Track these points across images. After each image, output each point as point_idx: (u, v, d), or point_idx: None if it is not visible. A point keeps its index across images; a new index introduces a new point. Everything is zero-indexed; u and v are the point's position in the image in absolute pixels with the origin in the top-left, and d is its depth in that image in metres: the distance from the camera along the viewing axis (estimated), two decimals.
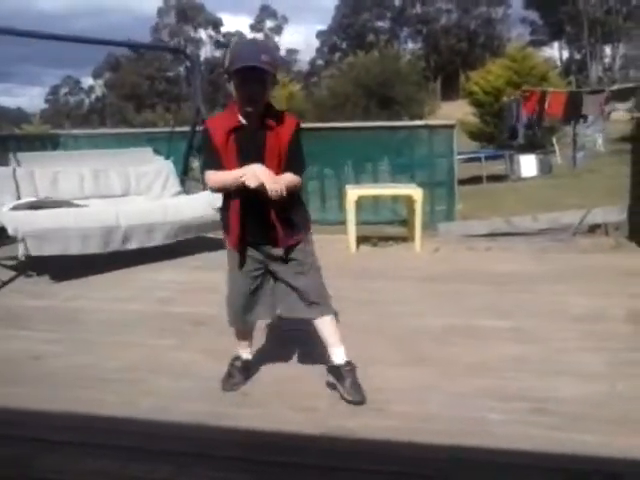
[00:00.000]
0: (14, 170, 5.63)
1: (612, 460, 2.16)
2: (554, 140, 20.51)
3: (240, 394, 2.77)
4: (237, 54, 2.51)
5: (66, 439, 2.43)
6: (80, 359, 3.25)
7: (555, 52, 61.73)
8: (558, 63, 51.83)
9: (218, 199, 5.64)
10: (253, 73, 2.44)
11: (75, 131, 8.68)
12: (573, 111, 16.43)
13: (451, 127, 6.96)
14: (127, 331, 3.69)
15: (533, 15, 64.51)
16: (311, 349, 3.17)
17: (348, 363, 2.73)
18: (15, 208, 5.19)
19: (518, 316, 3.75)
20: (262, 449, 2.32)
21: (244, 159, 2.52)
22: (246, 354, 2.95)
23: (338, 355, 2.75)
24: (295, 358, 3.16)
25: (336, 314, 2.84)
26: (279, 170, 2.55)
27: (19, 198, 5.50)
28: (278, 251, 2.68)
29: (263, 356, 3.15)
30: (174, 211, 5.69)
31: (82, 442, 2.41)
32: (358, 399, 2.63)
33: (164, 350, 3.35)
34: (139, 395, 2.78)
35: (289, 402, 2.68)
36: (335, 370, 2.73)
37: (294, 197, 2.66)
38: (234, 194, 2.61)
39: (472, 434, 2.34)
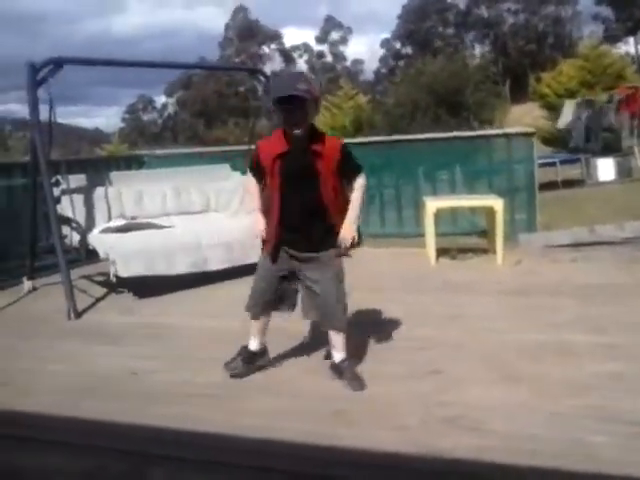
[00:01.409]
0: (106, 191, 5.90)
1: None
2: (635, 142, 19.67)
3: (334, 412, 2.79)
4: (277, 86, 2.98)
5: (169, 454, 2.52)
6: (176, 375, 3.37)
7: (631, 48, 59.28)
8: (635, 59, 49.77)
9: None
10: (292, 100, 2.76)
11: (157, 151, 9.00)
12: None
13: (530, 135, 6.82)
14: (218, 347, 3.77)
15: (606, 11, 62.31)
16: (397, 368, 3.19)
17: (343, 360, 3.10)
18: (104, 231, 5.44)
19: (611, 330, 3.63)
20: (357, 469, 2.34)
21: (290, 179, 2.92)
22: (255, 345, 3.25)
23: (337, 356, 3.12)
24: (383, 376, 3.17)
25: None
26: (335, 186, 2.96)
27: (110, 218, 5.76)
28: (308, 259, 3.01)
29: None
30: (252, 229, 5.80)
31: (184, 457, 2.50)
32: (358, 388, 2.97)
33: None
34: (235, 412, 2.85)
35: (382, 420, 2.69)
36: (335, 367, 3.12)
37: (334, 211, 3.00)
38: (275, 201, 2.98)
39: (574, 456, 2.28)
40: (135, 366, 3.51)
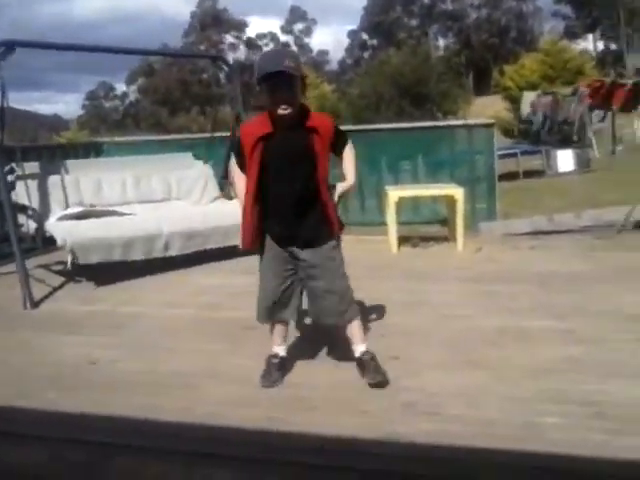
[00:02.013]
0: (62, 179, 5.77)
1: None
2: (591, 134, 20.10)
3: (294, 399, 2.79)
4: (263, 63, 2.68)
5: (129, 443, 2.48)
6: (136, 365, 3.32)
7: (589, 44, 60.50)
8: (593, 55, 50.83)
9: None
10: (280, 77, 2.57)
11: (117, 138, 8.84)
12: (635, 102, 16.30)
13: (490, 126, 6.90)
14: (179, 336, 3.75)
15: (565, 8, 63.36)
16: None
17: (365, 353, 2.91)
18: (62, 218, 5.32)
19: (570, 316, 3.70)
20: (319, 454, 2.34)
21: (278, 164, 2.71)
22: (282, 351, 3.03)
23: (358, 349, 2.94)
24: (344, 363, 3.16)
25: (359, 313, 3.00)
26: (325, 166, 2.76)
27: (67, 206, 5.63)
28: (306, 253, 2.81)
29: (316, 359, 3.18)
30: (214, 217, 5.76)
31: (144, 447, 2.46)
32: (379, 379, 2.81)
33: (217, 355, 3.39)
34: (196, 401, 2.82)
35: (344, 406, 2.69)
36: (359, 362, 2.92)
37: (327, 195, 2.80)
38: (260, 190, 2.77)
39: (530, 439, 2.32)
40: (94, 355, 3.44)
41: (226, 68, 6.85)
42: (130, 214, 5.66)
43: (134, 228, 5.28)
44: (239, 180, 2.88)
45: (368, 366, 2.86)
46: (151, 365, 3.29)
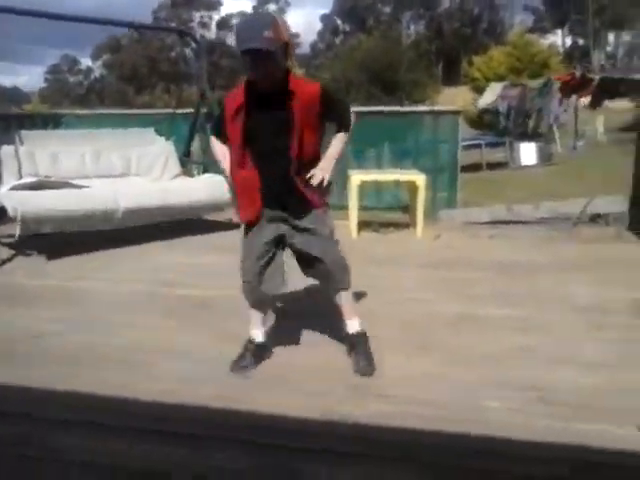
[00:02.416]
0: (16, 149, 5.59)
1: (614, 450, 2.16)
2: (554, 128, 20.42)
3: (244, 377, 2.76)
4: (240, 34, 2.51)
5: (69, 418, 2.42)
6: (81, 338, 3.25)
7: (558, 39, 61.36)
8: (561, 50, 51.57)
9: (218, 184, 5.65)
10: (257, 53, 2.43)
11: (78, 111, 8.62)
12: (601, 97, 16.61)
13: (456, 113, 6.92)
14: (130, 311, 3.68)
15: (537, 1, 64.03)
16: (312, 335, 3.18)
17: (360, 334, 2.85)
18: (15, 188, 5.17)
19: (523, 305, 3.75)
20: (266, 433, 2.32)
21: (259, 137, 2.58)
22: (259, 337, 2.91)
23: (351, 326, 2.87)
24: (295, 343, 3.15)
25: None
26: (308, 138, 2.59)
27: (20, 177, 5.47)
28: (296, 221, 2.70)
29: (270, 340, 3.15)
30: (173, 195, 5.68)
31: (87, 421, 2.40)
32: (366, 372, 2.73)
33: (168, 332, 3.34)
34: (142, 376, 2.77)
35: (293, 386, 2.68)
36: (349, 338, 2.87)
37: (315, 162, 2.68)
38: (247, 161, 2.63)
39: (472, 422, 2.34)
40: (39, 329, 3.35)
41: (193, 44, 6.72)
42: (86, 187, 5.52)
43: (89, 201, 5.16)
44: (222, 152, 2.79)
45: (360, 351, 2.81)
46: (98, 339, 3.22)
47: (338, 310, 2.90)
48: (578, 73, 18.82)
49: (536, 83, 18.65)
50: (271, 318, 3.25)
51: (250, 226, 2.75)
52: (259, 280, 2.78)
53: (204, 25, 68.54)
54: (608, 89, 17.93)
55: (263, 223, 2.72)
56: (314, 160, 2.68)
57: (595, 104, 18.78)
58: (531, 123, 18.36)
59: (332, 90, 2.69)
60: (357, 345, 2.83)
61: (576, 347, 3.09)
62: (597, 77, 18.19)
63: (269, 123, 2.58)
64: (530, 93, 17.81)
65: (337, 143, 2.72)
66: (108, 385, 2.66)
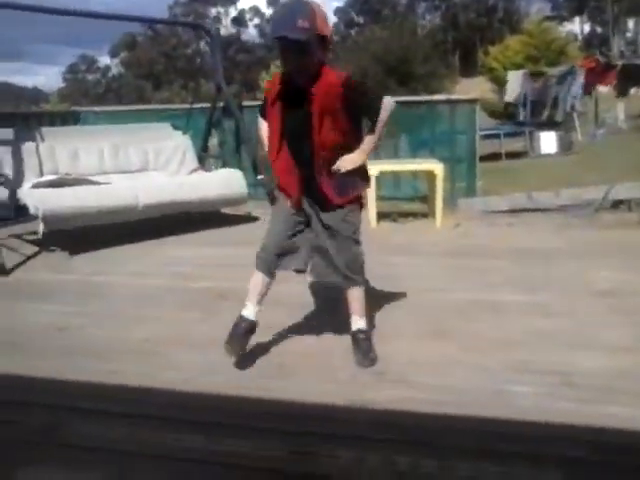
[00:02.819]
0: (37, 146, 5.66)
1: (638, 433, 2.14)
2: (575, 116, 20.16)
3: (264, 366, 2.77)
4: (275, 20, 2.52)
5: (93, 407, 2.45)
6: (103, 332, 3.28)
7: (576, 27, 60.53)
8: (579, 37, 50.87)
9: (236, 179, 5.68)
10: (288, 42, 2.40)
11: (95, 108, 8.68)
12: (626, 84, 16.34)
13: (473, 102, 6.86)
14: (150, 305, 3.71)
15: None
16: (333, 323, 3.19)
17: (361, 331, 2.83)
18: (36, 186, 5.23)
19: (542, 291, 3.72)
20: (287, 420, 2.33)
21: (290, 126, 2.61)
22: (252, 314, 2.77)
23: (355, 323, 2.85)
24: (319, 330, 3.15)
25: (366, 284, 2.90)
26: (332, 132, 2.54)
27: (42, 174, 5.53)
28: (321, 213, 2.70)
29: (289, 326, 3.16)
30: (190, 189, 5.71)
31: (108, 410, 2.43)
32: (366, 364, 2.72)
33: (188, 324, 3.37)
34: (164, 367, 2.79)
35: (313, 374, 2.68)
36: (353, 338, 2.84)
37: (348, 153, 2.63)
38: (282, 147, 2.66)
39: (497, 407, 2.33)
40: (63, 322, 3.40)
41: (207, 37, 6.73)
42: (105, 183, 5.58)
43: (109, 197, 5.21)
44: (264, 135, 2.84)
45: (360, 346, 2.78)
46: (120, 332, 3.25)
47: (346, 306, 2.88)
48: (602, 60, 18.54)
49: (557, 71, 18.37)
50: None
51: (282, 197, 2.76)
52: (278, 247, 2.72)
53: (219, 20, 68.68)
54: (633, 76, 17.62)
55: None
56: (346, 151, 2.63)
57: (621, 91, 18.46)
58: (546, 112, 18.10)
59: (358, 82, 2.62)
60: (361, 343, 2.80)
61: (597, 331, 3.06)
62: (620, 63, 17.90)
63: (297, 114, 2.57)
64: (550, 81, 17.52)
65: (369, 138, 2.65)
66: (129, 375, 2.69)
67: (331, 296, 3.35)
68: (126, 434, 2.26)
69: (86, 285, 4.18)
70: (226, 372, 2.71)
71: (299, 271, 2.85)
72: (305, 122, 2.53)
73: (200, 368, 2.77)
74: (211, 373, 2.71)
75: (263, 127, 2.85)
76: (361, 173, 2.73)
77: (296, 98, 2.55)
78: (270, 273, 2.77)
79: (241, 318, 2.78)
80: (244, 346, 2.76)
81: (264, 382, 2.61)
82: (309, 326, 3.20)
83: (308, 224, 2.77)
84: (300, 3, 2.46)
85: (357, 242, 2.79)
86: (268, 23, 70.76)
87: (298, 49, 2.41)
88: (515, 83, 18.43)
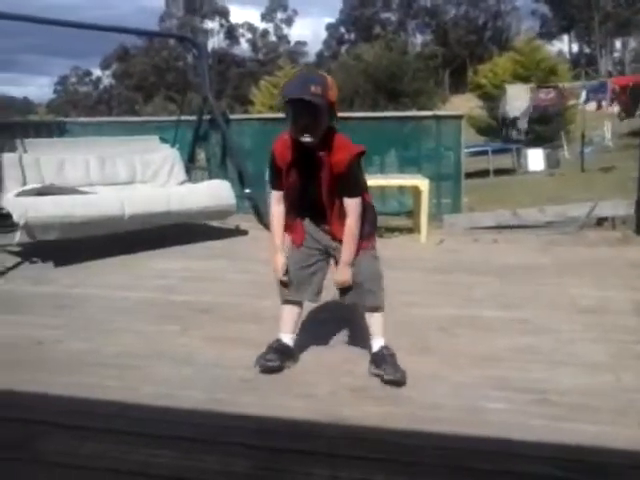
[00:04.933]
0: (20, 157, 5.63)
1: (612, 450, 2.13)
2: (562, 134, 20.37)
3: (241, 380, 2.75)
4: (288, 86, 2.64)
5: (68, 422, 2.41)
6: (81, 345, 3.24)
7: (565, 46, 61.32)
8: (567, 56, 51.52)
9: (224, 190, 5.69)
10: (301, 104, 2.51)
11: (82, 119, 8.66)
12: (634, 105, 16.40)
13: (459, 118, 6.91)
14: (129, 318, 3.68)
15: (543, 8, 63.99)
16: (315, 338, 3.17)
17: (387, 347, 2.82)
18: (20, 194, 5.19)
19: (524, 307, 3.73)
20: (262, 436, 2.31)
21: (302, 186, 2.71)
22: (287, 338, 2.89)
23: (375, 344, 2.84)
24: (300, 347, 3.13)
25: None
26: (336, 198, 2.68)
27: (25, 185, 5.50)
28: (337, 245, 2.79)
29: (261, 345, 3.14)
30: (178, 200, 5.70)
31: (83, 426, 2.39)
32: (398, 377, 2.66)
33: (166, 337, 3.33)
34: (140, 381, 2.76)
35: (289, 389, 2.66)
36: (375, 356, 2.80)
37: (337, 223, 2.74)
38: (292, 210, 2.80)
39: (472, 423, 2.32)
40: (42, 336, 3.35)
41: (195, 50, 6.75)
42: (92, 193, 5.55)
43: (95, 207, 5.17)
44: (278, 223, 2.84)
45: (388, 362, 2.74)
46: (97, 345, 3.21)
47: (365, 329, 2.92)
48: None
49: (578, 84, 18.32)
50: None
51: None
52: (295, 285, 2.84)
53: (212, 34, 69.04)
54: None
55: (309, 237, 2.85)
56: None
57: (629, 112, 18.51)
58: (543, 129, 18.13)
59: (357, 162, 2.71)
60: (387, 358, 2.77)
61: (577, 348, 3.06)
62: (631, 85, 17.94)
63: (305, 178, 2.69)
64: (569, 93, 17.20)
65: (349, 223, 2.70)
66: (105, 390, 2.65)
67: (311, 313, 3.35)
68: (100, 450, 2.22)
69: (64, 297, 4.13)
70: (203, 387, 2.68)
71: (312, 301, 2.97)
72: (315, 187, 2.67)
73: (177, 383, 2.74)
74: (187, 388, 2.68)
75: (276, 214, 2.83)
76: (369, 218, 2.80)
77: (308, 165, 2.66)
78: (293, 297, 2.89)
79: (277, 341, 2.88)
80: (272, 361, 2.80)
81: (240, 398, 2.58)
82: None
83: (324, 255, 2.87)
84: (314, 73, 2.78)
85: (376, 258, 2.86)
86: (261, 37, 71.27)
87: (311, 113, 2.53)
88: (519, 96, 18.10)
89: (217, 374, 2.80)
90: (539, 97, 17.19)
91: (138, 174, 6.41)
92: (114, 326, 3.52)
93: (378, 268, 2.85)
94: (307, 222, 2.85)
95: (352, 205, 2.69)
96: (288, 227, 2.85)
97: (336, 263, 2.85)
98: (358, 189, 2.73)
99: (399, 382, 2.66)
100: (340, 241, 2.76)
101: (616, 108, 17.87)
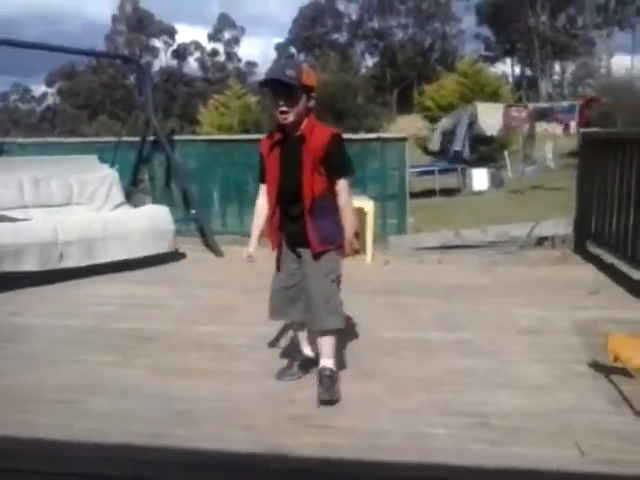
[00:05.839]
0: None
1: (548, 473, 2.16)
2: (506, 154, 20.93)
3: (181, 412, 2.68)
4: (267, 72, 2.93)
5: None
6: (17, 378, 3.09)
7: (508, 68, 63.27)
8: (510, 79, 53.18)
9: (162, 215, 5.57)
10: (278, 86, 2.67)
11: (21, 139, 8.41)
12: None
13: (403, 140, 7.00)
14: (69, 348, 3.55)
15: (487, 31, 65.95)
16: (254, 367, 3.13)
17: (328, 368, 2.85)
18: None
19: (466, 329, 3.77)
20: (200, 470, 2.24)
21: (284, 169, 2.79)
22: (307, 350, 3.07)
23: (324, 361, 2.88)
24: (236, 376, 3.09)
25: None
26: (318, 179, 2.74)
27: None
28: (304, 252, 2.84)
29: (202, 374, 3.08)
30: (115, 225, 5.54)
31: (15, 469, 2.28)
32: (326, 398, 2.72)
33: (106, 367, 3.22)
34: (76, 417, 2.65)
35: (228, 420, 2.61)
36: (318, 373, 2.85)
37: (330, 208, 2.82)
38: (273, 203, 2.85)
39: (413, 450, 2.32)
40: None
41: (138, 70, 6.65)
42: (23, 219, 5.34)
43: (27, 235, 4.98)
44: (257, 210, 2.97)
45: (322, 383, 2.79)
46: (35, 378, 3.08)
47: (316, 347, 2.97)
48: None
49: (546, 105, 18.53)
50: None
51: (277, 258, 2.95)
52: (281, 306, 2.95)
53: (158, 52, 68.56)
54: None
55: (286, 251, 2.91)
56: (328, 201, 2.80)
57: (587, 125, 18.82)
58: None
59: (339, 141, 2.78)
60: (323, 379, 2.81)
61: (518, 369, 3.11)
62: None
63: (286, 165, 2.78)
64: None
65: (343, 198, 2.83)
66: (41, 427, 2.54)
67: (255, 340, 3.31)
68: None
69: (4, 327, 3.97)
70: (140, 421, 2.60)
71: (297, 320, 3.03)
72: (294, 174, 2.74)
73: (112, 416, 2.65)
74: (125, 421, 2.60)
75: (259, 202, 2.95)
76: (335, 229, 2.87)
77: (287, 151, 2.78)
78: (282, 317, 3.06)
79: (298, 352, 3.10)
80: (295, 374, 3.01)
81: (178, 430, 2.51)
82: (228, 371, 3.14)
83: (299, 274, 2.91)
84: (290, 60, 2.90)
85: (333, 282, 2.88)
86: (210, 57, 71.11)
87: (287, 94, 2.67)
88: (489, 114, 17.84)
89: (157, 406, 2.72)
90: (512, 115, 17.17)
91: (74, 195, 6.11)
92: (53, 357, 3.39)
93: (335, 289, 2.90)
94: (284, 232, 2.89)
95: (343, 185, 2.81)
96: (268, 229, 2.93)
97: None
98: (347, 168, 2.86)
99: (330, 402, 2.71)
100: (309, 244, 2.79)
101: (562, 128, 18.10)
